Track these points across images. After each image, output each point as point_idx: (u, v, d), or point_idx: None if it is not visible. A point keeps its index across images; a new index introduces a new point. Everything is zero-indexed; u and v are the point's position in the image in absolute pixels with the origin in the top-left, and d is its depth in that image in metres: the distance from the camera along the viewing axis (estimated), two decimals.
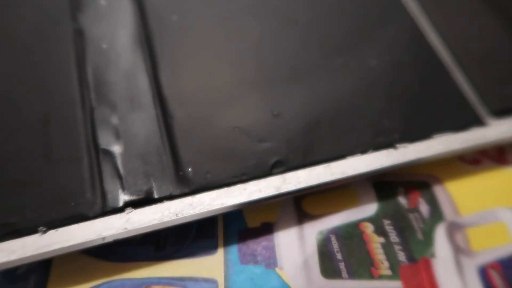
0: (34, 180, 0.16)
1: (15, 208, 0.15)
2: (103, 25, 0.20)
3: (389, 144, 0.18)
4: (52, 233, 0.14)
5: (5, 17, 0.20)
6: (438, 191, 0.18)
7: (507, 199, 0.18)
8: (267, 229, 0.17)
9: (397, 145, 0.18)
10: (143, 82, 0.19)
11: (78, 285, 0.15)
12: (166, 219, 0.15)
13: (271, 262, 0.16)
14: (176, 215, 0.15)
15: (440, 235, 0.17)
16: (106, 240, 0.15)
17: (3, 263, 0.14)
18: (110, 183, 0.16)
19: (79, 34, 0.20)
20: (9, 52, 0.19)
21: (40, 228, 0.14)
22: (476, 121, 0.19)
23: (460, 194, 0.18)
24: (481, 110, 0.19)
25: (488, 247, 0.17)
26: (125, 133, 0.17)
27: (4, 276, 0.15)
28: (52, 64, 0.19)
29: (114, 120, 0.18)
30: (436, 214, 0.18)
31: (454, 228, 0.17)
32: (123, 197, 0.16)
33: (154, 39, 0.20)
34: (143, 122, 0.18)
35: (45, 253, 0.14)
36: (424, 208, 0.18)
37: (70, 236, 0.14)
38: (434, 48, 0.21)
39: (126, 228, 0.15)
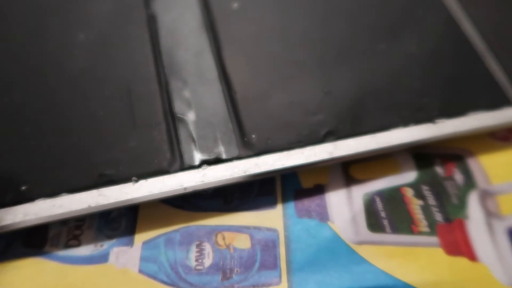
0: (124, 141, 0.18)
1: (109, 162, 0.18)
2: (172, 12, 0.23)
3: (428, 119, 0.20)
4: (142, 182, 0.17)
5: (88, 7, 0.23)
6: (471, 163, 0.20)
7: None
8: (319, 189, 0.19)
9: (436, 120, 0.20)
10: (209, 61, 0.21)
11: (161, 228, 0.18)
12: (236, 175, 0.18)
13: (324, 216, 0.18)
14: (245, 172, 0.18)
15: (473, 200, 0.19)
16: (187, 190, 0.17)
17: (104, 205, 0.16)
18: (186, 145, 0.19)
19: (152, 20, 0.22)
20: (95, 36, 0.21)
21: (133, 178, 0.17)
22: (506, 102, 0.21)
23: (491, 166, 0.20)
24: (511, 92, 0.21)
25: None
26: (196, 104, 0.20)
27: (101, 217, 0.18)
28: (131, 45, 0.21)
29: (186, 93, 0.20)
30: (470, 182, 0.20)
31: (485, 195, 0.19)
32: (198, 157, 0.18)
33: (217, 24, 0.22)
34: (211, 95, 0.20)
35: (138, 198, 0.17)
36: (458, 177, 0.20)
37: (157, 186, 0.17)
38: (468, 37, 0.23)
39: (203, 181, 0.17)
